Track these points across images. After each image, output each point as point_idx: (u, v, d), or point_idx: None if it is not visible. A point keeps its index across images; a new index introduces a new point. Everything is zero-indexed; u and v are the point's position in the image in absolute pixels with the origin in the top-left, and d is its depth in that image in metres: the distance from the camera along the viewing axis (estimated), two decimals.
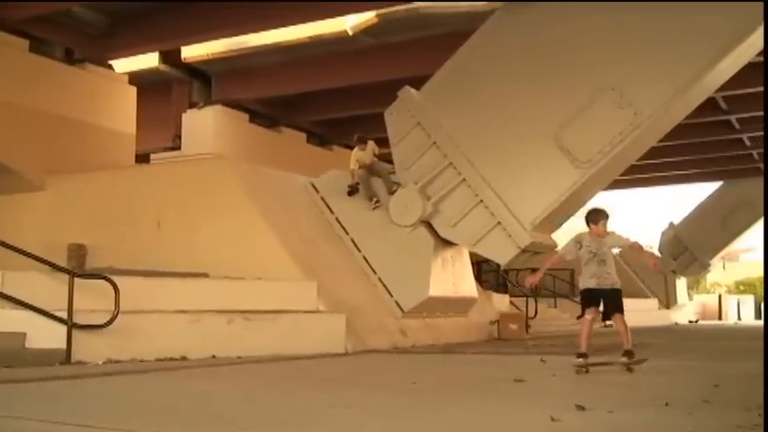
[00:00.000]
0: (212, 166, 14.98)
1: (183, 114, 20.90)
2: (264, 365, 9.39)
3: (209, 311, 10.60)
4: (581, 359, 8.57)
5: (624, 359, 8.62)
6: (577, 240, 8.83)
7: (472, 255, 15.78)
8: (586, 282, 8.73)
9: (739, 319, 39.09)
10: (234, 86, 20.44)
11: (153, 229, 14.02)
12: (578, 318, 9.11)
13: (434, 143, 14.02)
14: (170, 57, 19.40)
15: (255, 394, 6.62)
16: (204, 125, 20.52)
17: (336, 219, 14.86)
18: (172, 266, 12.14)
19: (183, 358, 9.73)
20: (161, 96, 20.90)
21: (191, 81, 20.76)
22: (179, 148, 20.70)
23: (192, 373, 8.43)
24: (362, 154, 15.00)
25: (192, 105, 20.92)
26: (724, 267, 43.66)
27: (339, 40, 17.72)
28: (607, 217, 8.92)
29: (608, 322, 9.16)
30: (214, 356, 10.02)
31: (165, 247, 13.57)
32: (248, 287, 11.65)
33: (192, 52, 19.34)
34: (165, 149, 20.97)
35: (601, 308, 8.72)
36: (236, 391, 6.92)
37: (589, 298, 8.73)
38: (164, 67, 19.62)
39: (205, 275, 12.05)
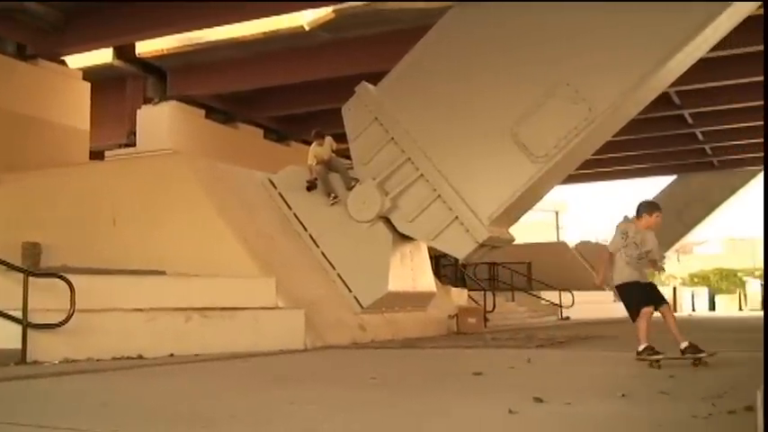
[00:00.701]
0: (168, 163, 14.85)
1: (138, 110, 20.68)
2: (223, 363, 9.34)
3: (166, 309, 10.51)
4: (658, 354, 8.15)
5: (704, 354, 8.10)
6: (624, 232, 8.72)
7: (430, 249, 15.84)
8: (631, 275, 8.47)
9: (693, 310, 39.77)
10: (189, 82, 20.27)
11: (108, 227, 13.86)
12: (635, 321, 8.39)
13: (392, 138, 14.06)
14: (124, 52, 19.18)
15: (214, 392, 6.59)
16: (159, 121, 20.33)
17: (294, 214, 14.82)
18: (128, 264, 12.00)
19: (140, 357, 9.64)
20: (115, 92, 20.67)
21: (145, 77, 20.54)
22: (134, 144, 20.49)
23: (150, 372, 8.37)
24: (320, 149, 14.99)
25: (147, 101, 20.71)
26: (678, 260, 44.37)
27: (296, 35, 17.65)
28: (661, 210, 8.95)
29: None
30: (172, 355, 9.93)
31: (121, 245, 13.42)
32: (206, 284, 11.58)
33: (146, 48, 19.14)
34: (120, 146, 20.75)
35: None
36: (195, 388, 6.89)
37: (640, 291, 8.45)
38: (118, 63, 19.39)
39: (162, 273, 11.95)
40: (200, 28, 17.25)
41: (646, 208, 8.80)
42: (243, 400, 6.01)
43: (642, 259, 8.52)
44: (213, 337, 10.50)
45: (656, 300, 8.50)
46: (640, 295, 8.42)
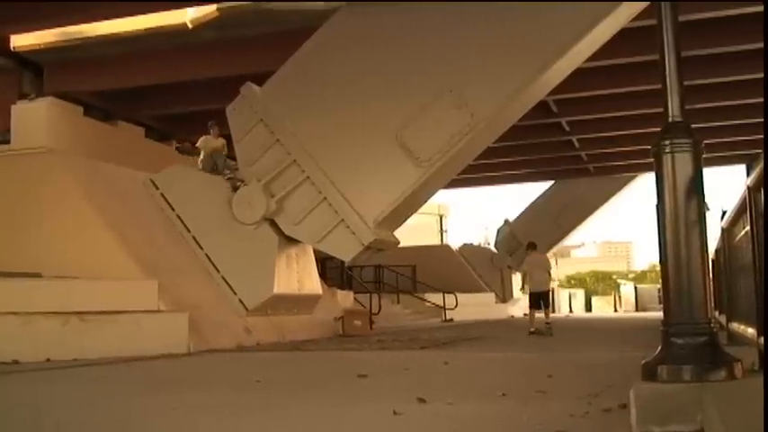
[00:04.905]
0: (44, 161, 14.30)
1: (13, 106, 19.86)
2: (104, 368, 9.08)
3: (42, 313, 10.17)
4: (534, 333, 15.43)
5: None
6: None
7: (317, 251, 15.83)
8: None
9: (571, 311, 41.12)
10: (67, 78, 19.59)
11: None
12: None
13: (278, 140, 13.98)
14: None
15: (95, 398, 6.40)
16: (36, 118, 19.55)
17: (177, 216, 14.55)
18: (1, 266, 11.54)
19: (15, 362, 9.28)
20: None
21: (21, 71, 19.75)
22: (8, 141, 19.65)
23: (26, 378, 8.07)
24: (215, 142, 15.22)
25: (23, 97, 19.91)
26: (556, 263, 45.81)
27: (179, 33, 17.30)
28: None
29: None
30: (48, 359, 9.61)
31: None
32: (84, 287, 11.25)
33: (22, 41, 18.40)
34: None
35: None
36: (76, 395, 6.68)
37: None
38: None
39: (37, 275, 11.53)
40: (79, 22, 16.71)
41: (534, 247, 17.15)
42: (124, 406, 5.86)
43: None
44: (92, 342, 10.22)
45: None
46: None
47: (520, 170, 32.02)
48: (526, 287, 16.65)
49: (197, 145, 15.09)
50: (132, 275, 12.32)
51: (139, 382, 7.81)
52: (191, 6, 16.10)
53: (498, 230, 35.44)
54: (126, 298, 11.41)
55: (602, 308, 44.64)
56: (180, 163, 16.93)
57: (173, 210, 14.60)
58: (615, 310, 43.47)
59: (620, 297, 47.03)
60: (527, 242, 18.76)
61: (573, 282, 50.11)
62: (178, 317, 11.52)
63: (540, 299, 16.35)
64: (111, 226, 13.02)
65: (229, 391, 6.84)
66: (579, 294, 45.64)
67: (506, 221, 35.31)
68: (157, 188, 14.80)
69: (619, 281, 53.31)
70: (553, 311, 17.62)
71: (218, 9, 16.43)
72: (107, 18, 16.26)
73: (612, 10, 12.47)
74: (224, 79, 17.22)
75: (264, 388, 7.00)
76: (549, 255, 37.21)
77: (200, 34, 17.26)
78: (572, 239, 39.91)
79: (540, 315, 16.12)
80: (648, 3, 11.72)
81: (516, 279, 35.85)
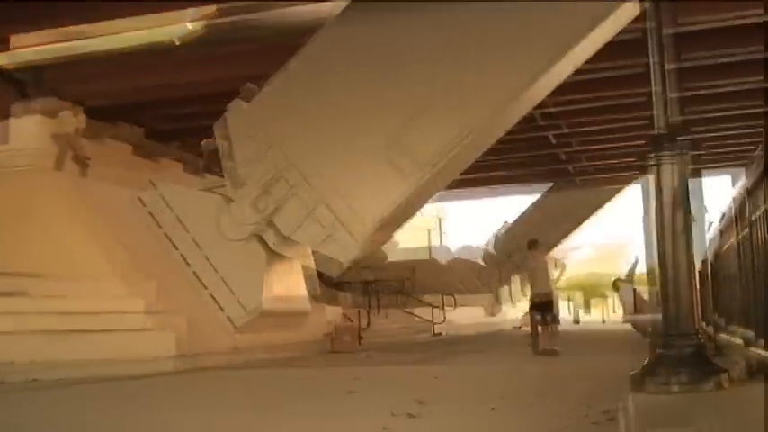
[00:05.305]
0: (31, 174, 14.25)
1: (11, 106, 19.78)
2: (88, 385, 8.98)
3: (26, 332, 10.16)
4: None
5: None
6: None
7: (305, 266, 15.74)
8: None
9: (569, 313, 41.03)
10: (67, 78, 19.51)
11: None
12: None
13: (265, 155, 13.87)
14: None
15: (83, 415, 6.33)
16: (34, 118, 19.48)
17: (165, 234, 14.43)
18: None
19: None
20: None
21: (20, 72, 19.70)
22: (6, 141, 19.58)
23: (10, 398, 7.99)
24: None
25: (22, 97, 19.84)
26: (555, 265, 45.72)
27: (179, 33, 17.18)
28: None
29: None
30: (35, 380, 9.51)
31: None
32: (71, 302, 11.21)
33: (22, 42, 18.35)
34: None
35: None
36: (60, 414, 6.60)
37: None
38: None
39: (23, 290, 11.48)
40: (79, 23, 16.66)
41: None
42: (110, 421, 5.79)
43: None
44: (78, 355, 10.23)
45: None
46: None
47: (517, 171, 31.52)
48: (527, 291, 15.70)
49: (202, 144, 15.15)
50: (119, 291, 12.25)
51: (122, 398, 7.74)
52: (191, 6, 16.04)
53: (496, 232, 35.37)
54: (113, 313, 11.46)
55: (600, 311, 44.58)
56: (168, 178, 16.78)
57: (160, 227, 14.50)
58: (614, 312, 43.34)
59: (621, 300, 46.88)
60: (528, 241, 16.33)
61: (570, 284, 50.00)
62: (165, 333, 11.48)
63: (544, 309, 13.82)
64: (98, 239, 12.95)
65: (216, 407, 6.78)
66: (577, 297, 45.64)
67: (505, 223, 35.27)
68: (145, 205, 14.70)
69: (618, 284, 53.17)
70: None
71: (217, 9, 16.34)
72: (107, 18, 16.22)
73: (612, 11, 12.31)
74: (225, 79, 17.13)
75: (253, 403, 6.95)
76: (548, 257, 37.08)
77: (200, 34, 17.18)
78: (570, 242, 39.72)
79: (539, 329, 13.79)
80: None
81: (513, 285, 35.61)
